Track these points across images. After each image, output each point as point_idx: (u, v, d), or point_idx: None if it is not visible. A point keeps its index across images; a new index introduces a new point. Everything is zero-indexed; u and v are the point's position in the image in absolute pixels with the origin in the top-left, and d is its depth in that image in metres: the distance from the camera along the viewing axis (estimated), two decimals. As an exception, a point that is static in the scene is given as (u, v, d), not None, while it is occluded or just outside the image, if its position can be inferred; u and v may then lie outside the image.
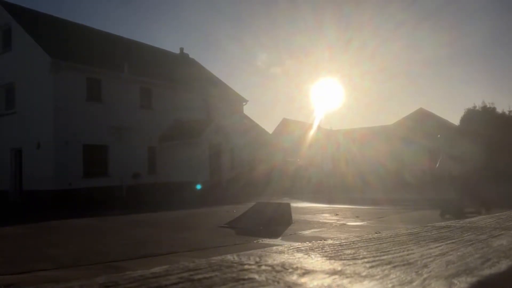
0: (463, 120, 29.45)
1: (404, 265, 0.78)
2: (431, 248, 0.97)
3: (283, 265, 0.73)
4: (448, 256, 0.88)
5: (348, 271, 0.72)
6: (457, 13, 56.61)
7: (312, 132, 29.17)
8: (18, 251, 6.55)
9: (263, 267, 0.71)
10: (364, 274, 0.71)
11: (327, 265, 0.76)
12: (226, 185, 23.14)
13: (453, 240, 1.10)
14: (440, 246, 1.01)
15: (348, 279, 0.67)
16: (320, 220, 9.88)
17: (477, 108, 29.27)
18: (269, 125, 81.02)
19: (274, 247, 0.91)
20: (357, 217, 10.42)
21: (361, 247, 0.96)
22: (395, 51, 58.36)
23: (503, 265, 0.82)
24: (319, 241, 1.02)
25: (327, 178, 24.62)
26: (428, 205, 12.83)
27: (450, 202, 9.98)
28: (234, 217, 9.55)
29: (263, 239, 7.09)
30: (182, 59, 30.05)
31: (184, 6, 71.26)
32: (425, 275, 0.71)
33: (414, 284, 0.67)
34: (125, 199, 19.62)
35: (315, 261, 0.79)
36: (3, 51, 21.19)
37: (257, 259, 0.76)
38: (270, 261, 0.76)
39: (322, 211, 12.15)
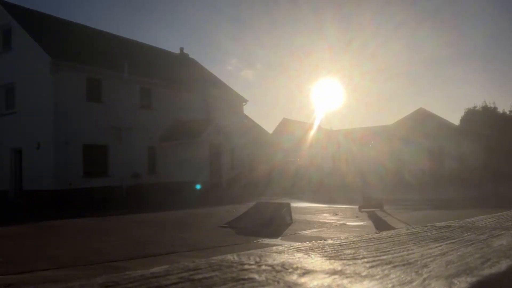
0: (463, 120, 29.44)
1: (404, 265, 0.78)
2: (431, 248, 0.97)
3: (283, 265, 0.73)
4: (448, 256, 0.88)
5: (348, 271, 0.72)
6: (458, 14, 56.62)
7: (312, 132, 29.17)
8: (18, 251, 6.55)
9: (263, 267, 0.71)
10: (364, 274, 0.71)
11: (327, 265, 0.76)
12: (226, 185, 23.14)
13: (453, 240, 1.10)
14: (440, 246, 1.01)
15: (348, 279, 0.67)
16: (320, 220, 9.87)
17: (477, 108, 29.27)
18: (269, 125, 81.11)
19: (274, 247, 0.91)
20: (357, 217, 10.42)
21: (361, 247, 0.96)
22: (396, 51, 58.40)
23: (503, 265, 0.82)
24: (319, 241, 1.02)
25: (327, 178, 24.63)
26: (428, 205, 12.82)
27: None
28: (234, 217, 9.54)
29: (263, 239, 7.08)
30: (182, 59, 30.05)
31: (184, 6, 71.29)
32: (425, 275, 0.71)
33: (414, 284, 0.67)
34: (125, 199, 19.62)
35: (315, 261, 0.79)
36: (3, 51, 21.18)
37: (257, 259, 0.76)
38: (270, 261, 0.75)
39: (322, 211, 12.15)
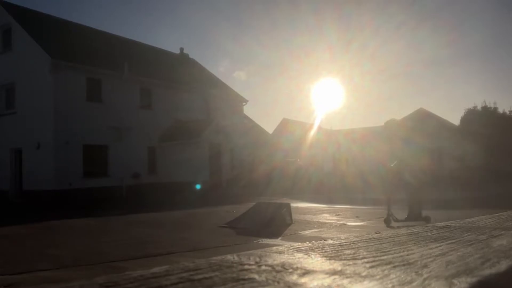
0: (463, 120, 29.43)
1: (404, 265, 0.78)
2: (431, 248, 0.97)
3: (283, 265, 0.73)
4: (448, 256, 0.88)
5: (348, 271, 0.72)
6: (458, 14, 56.63)
7: (312, 132, 29.15)
8: (18, 251, 6.55)
9: (263, 267, 0.71)
10: (364, 274, 0.71)
11: (327, 265, 0.76)
12: (226, 185, 23.14)
13: (453, 240, 1.10)
14: (440, 246, 1.01)
15: (348, 279, 0.67)
16: (320, 220, 9.88)
17: (477, 108, 29.26)
18: (269, 125, 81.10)
19: (274, 247, 0.91)
20: (357, 217, 10.43)
21: (361, 247, 0.96)
22: (396, 52, 58.42)
23: (503, 265, 0.82)
24: (319, 241, 1.02)
25: (327, 178, 24.62)
26: (428, 205, 12.81)
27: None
28: (234, 217, 9.55)
29: (263, 239, 7.09)
30: (182, 59, 30.05)
31: (184, 6, 71.30)
32: (425, 275, 0.71)
33: (414, 284, 0.67)
34: (125, 199, 19.62)
35: (315, 261, 0.79)
36: (3, 51, 21.18)
37: (257, 259, 0.76)
38: (270, 261, 0.76)
39: (322, 211, 12.15)
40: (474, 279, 0.71)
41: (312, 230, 8.27)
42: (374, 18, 52.81)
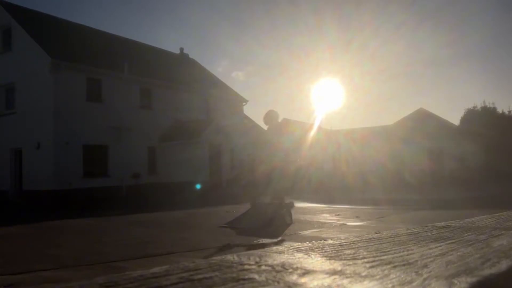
0: (463, 120, 29.47)
1: (404, 265, 0.78)
2: (431, 248, 0.97)
3: (283, 265, 0.73)
4: (448, 256, 0.88)
5: (348, 271, 0.72)
6: (458, 14, 56.64)
7: (312, 132, 29.15)
8: (18, 251, 6.54)
9: (263, 267, 0.71)
10: (364, 274, 0.71)
11: (327, 265, 0.76)
12: (226, 185, 23.14)
13: (453, 240, 1.10)
14: (440, 246, 1.01)
15: (348, 279, 0.67)
16: (320, 220, 9.87)
17: (477, 108, 29.30)
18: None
19: (274, 247, 0.91)
20: (357, 217, 10.41)
21: (361, 247, 0.96)
22: (396, 52, 58.43)
23: (503, 265, 0.82)
24: (319, 241, 1.02)
25: (327, 178, 24.62)
26: (428, 205, 12.82)
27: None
28: (234, 217, 9.54)
29: (263, 239, 7.08)
30: (182, 59, 30.06)
31: (184, 6, 71.33)
32: (425, 275, 0.71)
33: (414, 284, 0.67)
34: (125, 199, 19.62)
35: (315, 261, 0.79)
36: (3, 51, 21.18)
37: (257, 259, 0.76)
38: (270, 261, 0.75)
39: (322, 211, 12.14)
40: (474, 279, 0.71)
41: (312, 230, 8.26)
42: (374, 18, 52.84)
